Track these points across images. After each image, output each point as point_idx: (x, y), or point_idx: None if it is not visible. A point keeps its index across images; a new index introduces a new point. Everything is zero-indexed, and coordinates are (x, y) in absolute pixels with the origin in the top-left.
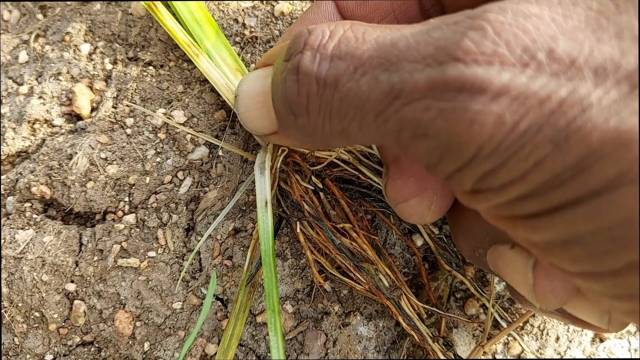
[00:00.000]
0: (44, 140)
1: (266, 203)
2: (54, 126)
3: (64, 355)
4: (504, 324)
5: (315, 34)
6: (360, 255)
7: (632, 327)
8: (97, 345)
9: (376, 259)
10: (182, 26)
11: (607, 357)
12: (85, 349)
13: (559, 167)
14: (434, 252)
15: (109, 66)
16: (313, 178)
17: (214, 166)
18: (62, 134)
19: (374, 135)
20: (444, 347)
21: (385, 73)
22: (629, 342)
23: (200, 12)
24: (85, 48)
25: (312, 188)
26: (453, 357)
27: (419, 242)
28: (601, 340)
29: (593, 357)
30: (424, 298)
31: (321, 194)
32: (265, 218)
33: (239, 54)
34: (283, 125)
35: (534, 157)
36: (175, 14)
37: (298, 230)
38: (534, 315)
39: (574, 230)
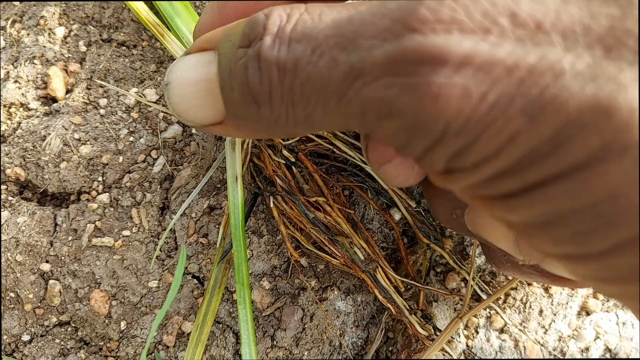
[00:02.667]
0: (19, 123)
1: (236, 178)
2: (29, 109)
3: (41, 336)
4: (484, 297)
5: (274, 18)
6: (335, 229)
7: None
8: (73, 325)
9: (351, 232)
10: (152, 4)
11: (610, 358)
12: (62, 329)
13: (535, 140)
14: (412, 225)
15: (83, 48)
16: (284, 151)
17: (187, 144)
18: (37, 116)
19: (339, 120)
20: (422, 319)
21: (344, 53)
22: (617, 315)
23: None
24: (60, 31)
25: (284, 162)
26: (432, 330)
27: (397, 217)
28: (587, 314)
29: (591, 357)
30: (403, 272)
31: (294, 168)
32: (235, 193)
33: None
34: (238, 115)
35: (507, 131)
36: None
37: (271, 205)
38: (515, 288)
39: (555, 209)
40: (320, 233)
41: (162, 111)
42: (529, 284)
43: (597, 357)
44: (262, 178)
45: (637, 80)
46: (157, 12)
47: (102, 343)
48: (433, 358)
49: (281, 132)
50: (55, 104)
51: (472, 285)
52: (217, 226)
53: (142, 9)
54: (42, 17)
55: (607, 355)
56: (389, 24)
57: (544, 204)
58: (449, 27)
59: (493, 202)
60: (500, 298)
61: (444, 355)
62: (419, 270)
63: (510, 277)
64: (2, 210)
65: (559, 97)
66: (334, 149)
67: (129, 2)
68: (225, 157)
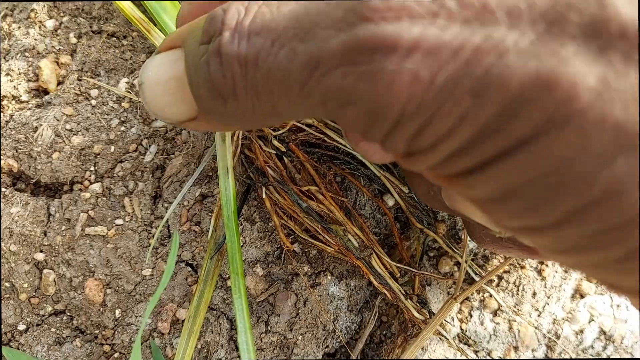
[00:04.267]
0: (11, 115)
1: (227, 170)
2: (21, 102)
3: (37, 325)
4: (477, 278)
5: (231, 13)
6: (328, 217)
7: None
8: (68, 313)
9: (344, 219)
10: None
11: (619, 358)
12: (58, 318)
13: (482, 119)
14: (405, 211)
15: (73, 40)
16: (275, 142)
17: (178, 133)
18: (29, 108)
19: (304, 110)
20: (417, 304)
21: (302, 43)
22: (611, 297)
23: None
24: (50, 24)
25: (275, 152)
26: (428, 314)
27: (390, 203)
28: (582, 296)
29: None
30: (397, 257)
31: (285, 158)
32: (227, 184)
33: None
34: (207, 110)
35: (456, 111)
36: None
37: (264, 196)
38: (508, 271)
39: (508, 183)
40: (314, 222)
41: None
42: (522, 267)
43: (593, 339)
44: (253, 169)
45: (578, 53)
46: (142, 8)
47: (97, 331)
48: (434, 358)
49: (252, 123)
50: (46, 96)
51: (464, 268)
52: (209, 214)
53: (127, 6)
54: (32, 10)
55: (602, 338)
56: (342, 14)
57: (497, 179)
58: (399, 13)
59: (453, 180)
60: (494, 280)
61: (440, 339)
62: (412, 255)
63: (502, 259)
64: None
65: (501, 75)
66: (325, 138)
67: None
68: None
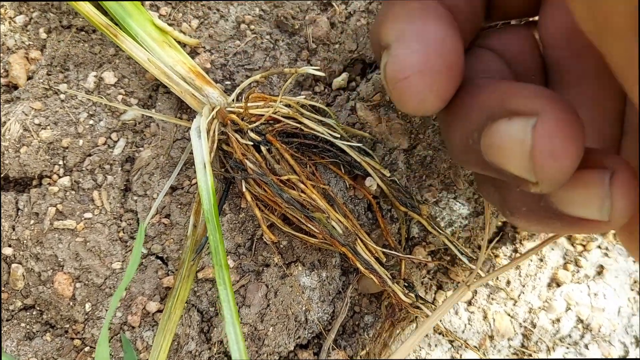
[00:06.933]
0: None
1: (204, 165)
2: None
3: (7, 320)
4: (464, 260)
5: None
6: (311, 206)
7: (590, 270)
8: (38, 308)
9: (327, 207)
10: (102, 7)
11: (621, 358)
12: (27, 313)
13: None
14: (388, 194)
15: (43, 35)
16: (251, 133)
17: (147, 126)
18: None
19: None
20: (404, 288)
21: None
22: (588, 286)
23: None
24: (20, 19)
25: (252, 144)
26: (415, 298)
27: (373, 188)
28: (558, 285)
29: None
30: (382, 242)
31: (263, 148)
32: (205, 179)
33: (169, 14)
34: None
35: None
36: None
37: (243, 189)
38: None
39: None
40: (296, 211)
41: (120, 94)
42: (496, 256)
43: (570, 328)
44: (232, 163)
45: None
46: (106, 13)
47: (67, 325)
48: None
49: None
50: (15, 91)
51: (485, 252)
52: (179, 206)
53: (91, 12)
54: (1, 5)
55: (579, 327)
56: None
57: None
58: None
59: None
60: (466, 269)
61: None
62: (399, 240)
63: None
64: None
65: None
66: (302, 127)
67: (76, 5)
68: (188, 140)
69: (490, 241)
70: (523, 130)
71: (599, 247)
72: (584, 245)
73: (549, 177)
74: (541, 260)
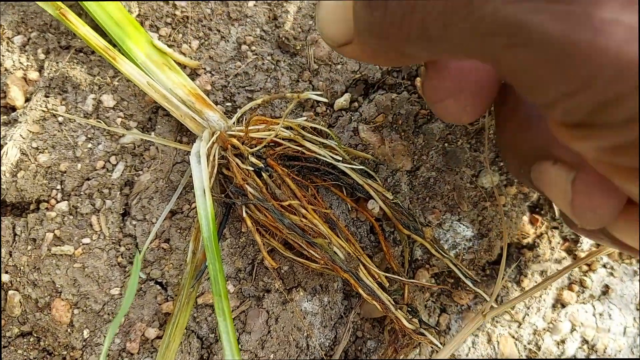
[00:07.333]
0: None
1: (204, 192)
2: None
3: (4, 347)
4: (469, 283)
5: None
6: (312, 231)
7: (596, 290)
8: (35, 335)
9: (329, 232)
10: (100, 28)
11: (613, 358)
12: (25, 340)
13: None
14: (391, 217)
15: (41, 56)
16: (252, 158)
17: (147, 149)
18: None
19: (458, 40)
20: (408, 314)
21: None
22: (593, 306)
23: (118, 13)
24: (18, 40)
25: (253, 169)
26: (418, 323)
27: (375, 211)
28: (563, 306)
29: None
30: (384, 266)
31: (264, 174)
32: (204, 206)
33: (169, 35)
34: (357, 24)
35: None
36: (92, 17)
37: (244, 215)
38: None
39: None
40: (297, 237)
41: (119, 117)
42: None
43: (576, 349)
44: (232, 188)
45: None
46: (104, 34)
47: (65, 352)
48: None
49: (394, 47)
50: (13, 113)
51: (502, 278)
52: (178, 231)
53: (89, 34)
54: None
55: (584, 347)
56: None
57: None
58: None
59: (621, 172)
60: (470, 292)
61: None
62: (402, 263)
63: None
64: None
65: None
66: (304, 150)
67: (75, 28)
68: (188, 163)
69: (493, 263)
70: (565, 181)
71: (604, 266)
72: (589, 265)
73: (588, 225)
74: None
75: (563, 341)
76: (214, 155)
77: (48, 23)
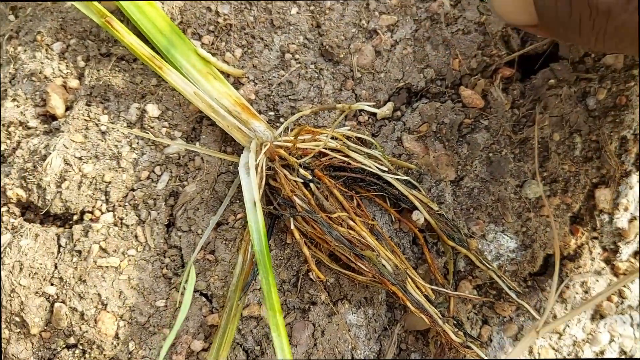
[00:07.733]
0: (19, 142)
1: (255, 203)
2: (29, 128)
3: (49, 359)
4: (512, 295)
5: None
6: (360, 243)
7: (634, 301)
8: (81, 347)
9: (376, 244)
10: (145, 37)
11: (625, 358)
12: (70, 352)
13: None
14: (435, 228)
15: (81, 63)
16: (301, 170)
17: (192, 159)
18: (37, 135)
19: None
20: (454, 327)
21: None
22: (631, 316)
23: (162, 21)
24: (57, 47)
25: (302, 181)
26: (464, 336)
27: (420, 222)
28: (602, 317)
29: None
30: (428, 278)
31: (311, 185)
32: (255, 219)
33: (212, 43)
34: (548, 28)
35: None
36: (134, 25)
37: (292, 227)
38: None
39: None
40: (345, 249)
41: (164, 126)
42: (542, 289)
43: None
44: (280, 200)
45: None
46: (147, 41)
47: None
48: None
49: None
50: (54, 122)
51: (554, 295)
52: (224, 242)
53: (135, 42)
54: (38, 32)
55: (622, 358)
56: None
57: None
58: None
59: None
60: (513, 304)
61: None
62: (445, 275)
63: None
64: (4, 233)
65: None
66: (350, 161)
67: (120, 36)
68: (231, 172)
69: (535, 274)
70: None
71: None
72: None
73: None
74: (586, 292)
75: (602, 352)
76: (262, 167)
77: (88, 30)
